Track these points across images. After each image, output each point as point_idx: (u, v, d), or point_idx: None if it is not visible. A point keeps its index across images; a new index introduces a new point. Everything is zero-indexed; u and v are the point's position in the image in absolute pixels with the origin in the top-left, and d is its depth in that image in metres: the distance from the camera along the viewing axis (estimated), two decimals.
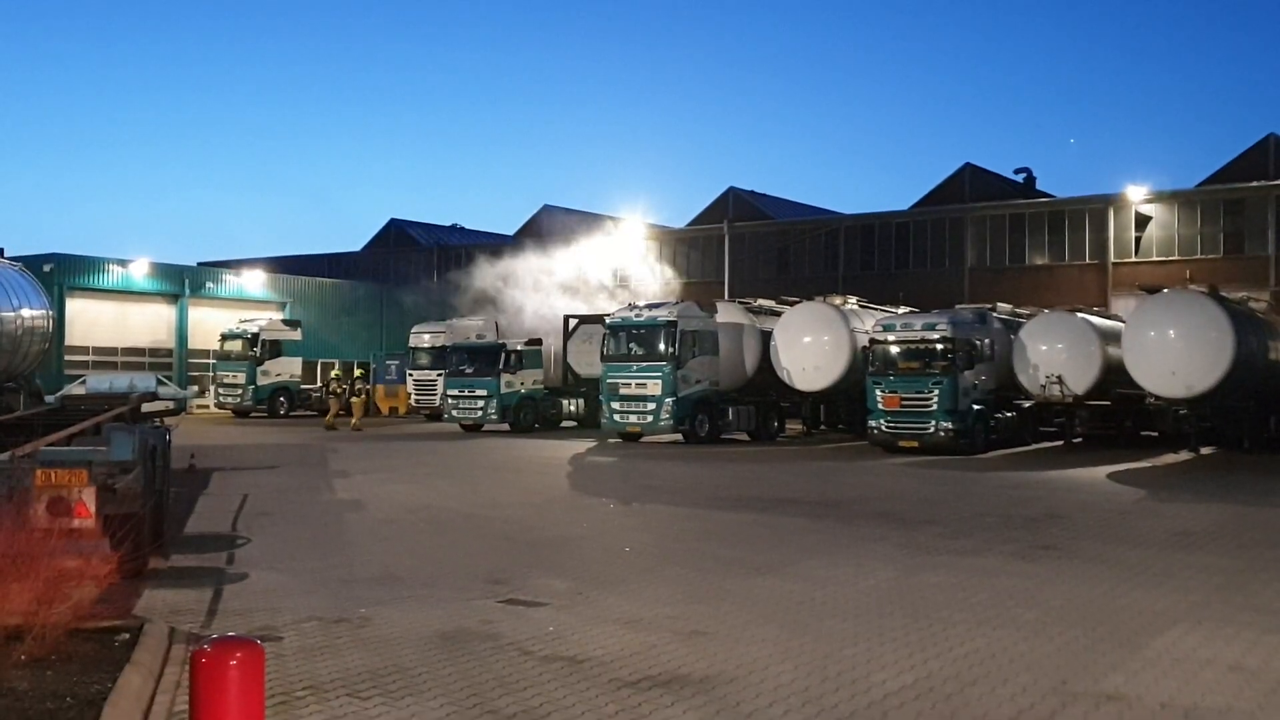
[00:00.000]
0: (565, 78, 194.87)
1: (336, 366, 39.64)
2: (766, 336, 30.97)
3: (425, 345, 38.92)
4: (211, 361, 44.20)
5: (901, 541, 12.73)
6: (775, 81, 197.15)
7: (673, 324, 29.59)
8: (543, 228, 58.54)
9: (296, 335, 43.48)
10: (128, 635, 7.35)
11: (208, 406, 43.11)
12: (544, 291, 42.54)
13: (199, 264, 54.90)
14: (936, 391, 26.19)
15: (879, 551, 12.03)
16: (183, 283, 47.52)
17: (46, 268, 39.02)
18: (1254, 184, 41.94)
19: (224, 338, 42.81)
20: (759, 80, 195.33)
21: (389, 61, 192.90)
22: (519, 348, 35.11)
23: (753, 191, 60.46)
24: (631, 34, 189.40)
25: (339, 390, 36.22)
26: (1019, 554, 11.90)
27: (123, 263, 45.54)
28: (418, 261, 62.84)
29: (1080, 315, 28.95)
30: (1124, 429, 29.09)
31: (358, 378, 38.11)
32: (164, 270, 47.21)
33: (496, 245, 57.08)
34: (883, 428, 26.89)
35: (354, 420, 35.05)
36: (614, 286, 51.58)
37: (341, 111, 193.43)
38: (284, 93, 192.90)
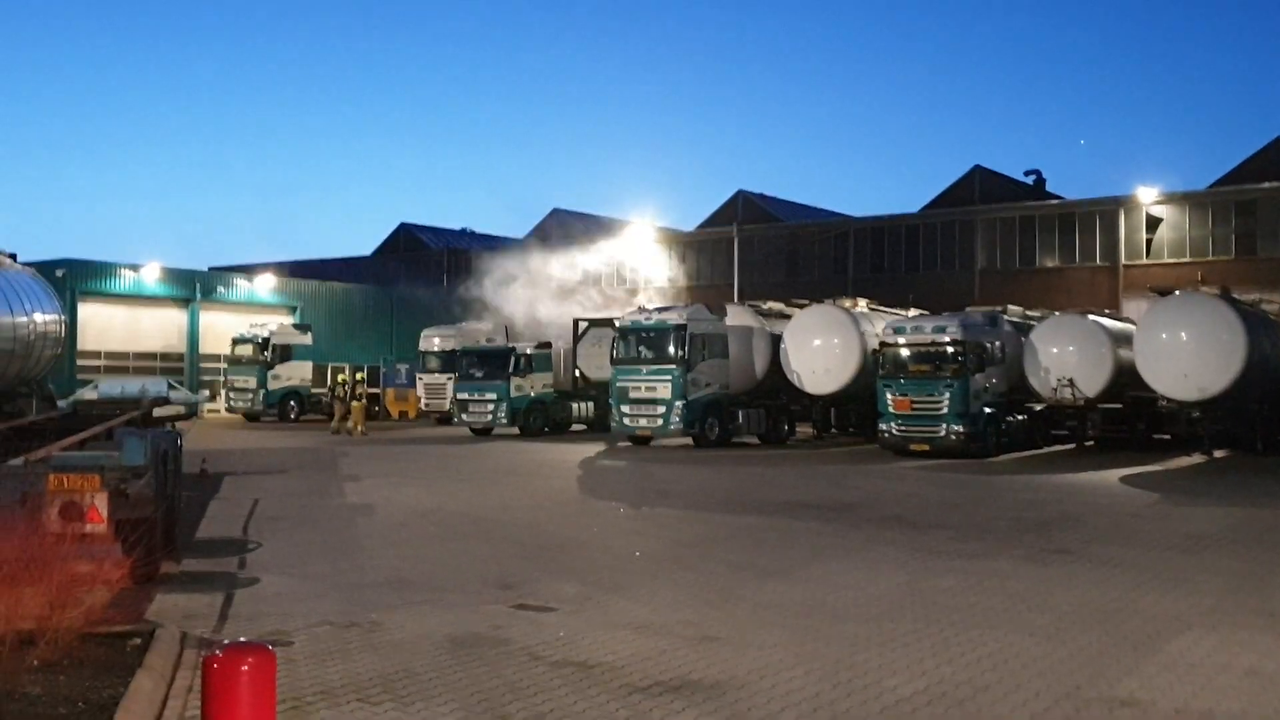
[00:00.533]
0: (574, 81, 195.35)
1: (345, 371, 39.64)
2: (776, 339, 30.93)
3: (435, 349, 39.00)
4: (223, 366, 44.34)
5: (913, 545, 12.69)
6: (785, 84, 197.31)
7: (682, 327, 29.52)
8: (552, 231, 58.57)
9: (307, 339, 43.58)
10: (139, 640, 7.36)
11: (219, 411, 43.27)
12: (553, 295, 42.50)
13: (210, 268, 55.11)
14: (947, 394, 26.12)
15: (890, 555, 12.00)
16: (194, 287, 47.65)
17: (59, 273, 39.08)
18: (1266, 185, 41.74)
19: (235, 342, 42.87)
20: (768, 83, 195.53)
21: (398, 66, 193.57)
22: (529, 351, 35.16)
23: (762, 194, 60.48)
24: (640, 37, 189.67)
25: (341, 395, 36.29)
26: (1031, 558, 11.86)
27: (134, 267, 45.68)
28: (428, 265, 62.93)
29: (1091, 317, 28.84)
30: (1136, 432, 28.90)
31: (358, 382, 38.13)
32: (175, 275, 47.34)
33: (506, 249, 57.11)
34: (894, 431, 26.83)
35: (354, 425, 35.00)
36: (623, 289, 51.64)
37: (352, 116, 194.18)
38: (295, 97, 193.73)
